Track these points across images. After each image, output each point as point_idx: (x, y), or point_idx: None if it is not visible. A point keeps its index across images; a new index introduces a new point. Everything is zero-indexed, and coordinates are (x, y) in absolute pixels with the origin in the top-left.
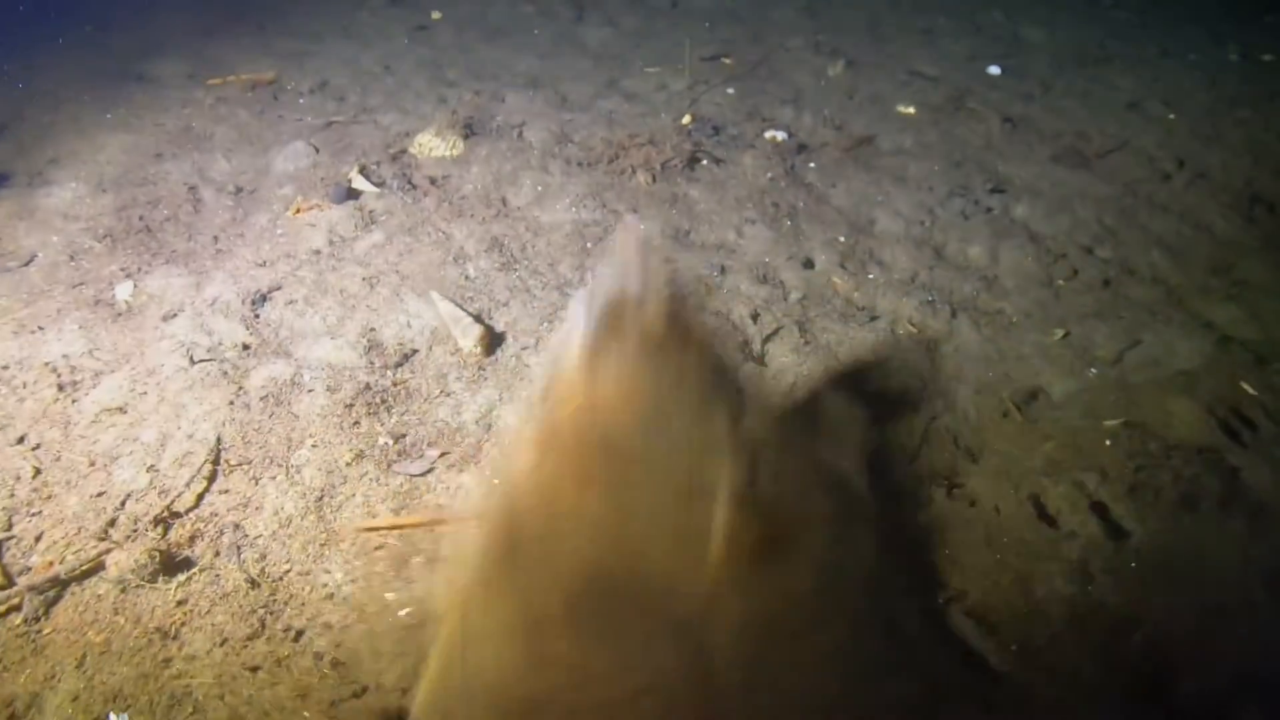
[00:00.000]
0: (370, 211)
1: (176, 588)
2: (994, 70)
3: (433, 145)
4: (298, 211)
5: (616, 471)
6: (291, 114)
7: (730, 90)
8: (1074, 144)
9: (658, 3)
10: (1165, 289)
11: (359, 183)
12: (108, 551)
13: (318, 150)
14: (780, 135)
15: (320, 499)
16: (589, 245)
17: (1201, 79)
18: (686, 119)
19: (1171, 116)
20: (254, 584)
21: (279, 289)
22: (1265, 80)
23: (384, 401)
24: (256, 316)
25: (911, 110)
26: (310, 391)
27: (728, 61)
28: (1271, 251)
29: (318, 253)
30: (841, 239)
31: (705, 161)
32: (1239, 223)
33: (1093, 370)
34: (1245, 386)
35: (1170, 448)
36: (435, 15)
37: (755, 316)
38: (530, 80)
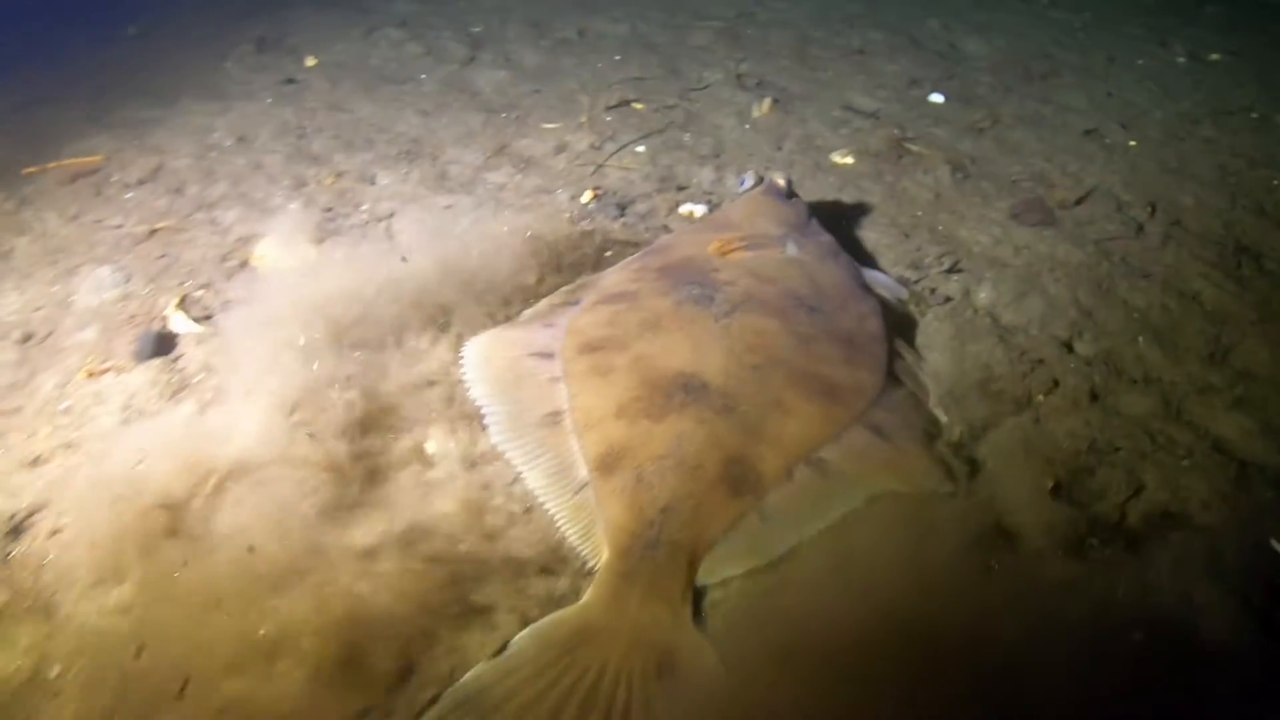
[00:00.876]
0: (183, 370)
1: None
2: (937, 98)
3: (277, 256)
4: (89, 375)
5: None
6: (113, 216)
7: (641, 148)
8: (1035, 192)
9: (563, 31)
10: (1160, 395)
11: (178, 322)
12: None
13: (129, 277)
14: (698, 209)
15: None
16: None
17: (1155, 91)
18: (588, 196)
19: (1132, 143)
20: None
21: (43, 508)
22: (1218, 86)
23: None
24: (6, 558)
25: (850, 160)
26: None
27: (639, 106)
28: (1271, 324)
29: (103, 441)
30: None
31: (610, 253)
32: (1229, 286)
33: (1092, 543)
34: (1277, 546)
35: None
36: (310, 62)
37: None
38: (408, 148)
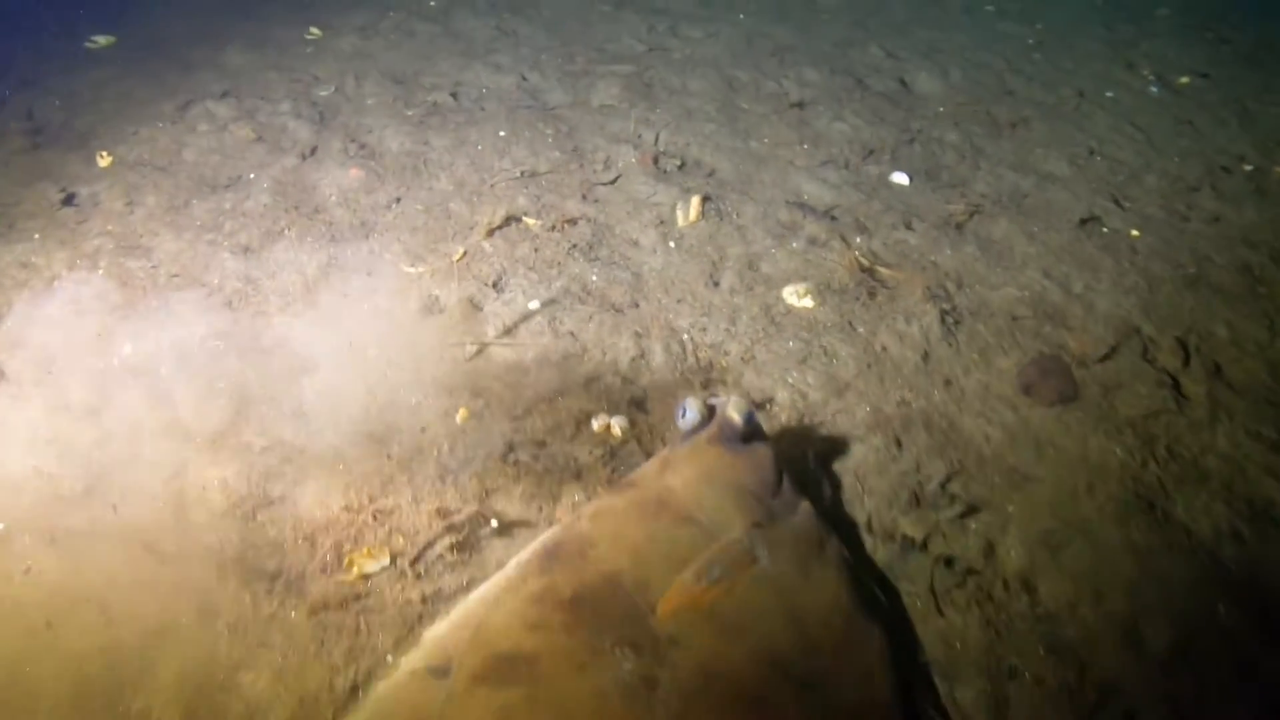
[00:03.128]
0: None
1: None
2: (900, 179)
3: None
4: None
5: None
6: None
7: (534, 304)
8: (1045, 340)
9: (434, 90)
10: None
11: None
12: None
13: None
14: (617, 424)
15: None
16: None
17: (1138, 141)
18: (462, 415)
19: (1135, 233)
20: None
21: None
22: (1201, 127)
23: None
24: None
25: (809, 302)
26: None
27: (531, 223)
28: None
29: None
30: None
31: (488, 531)
32: None
33: None
34: None
35: None
36: (103, 160)
37: None
38: (218, 330)
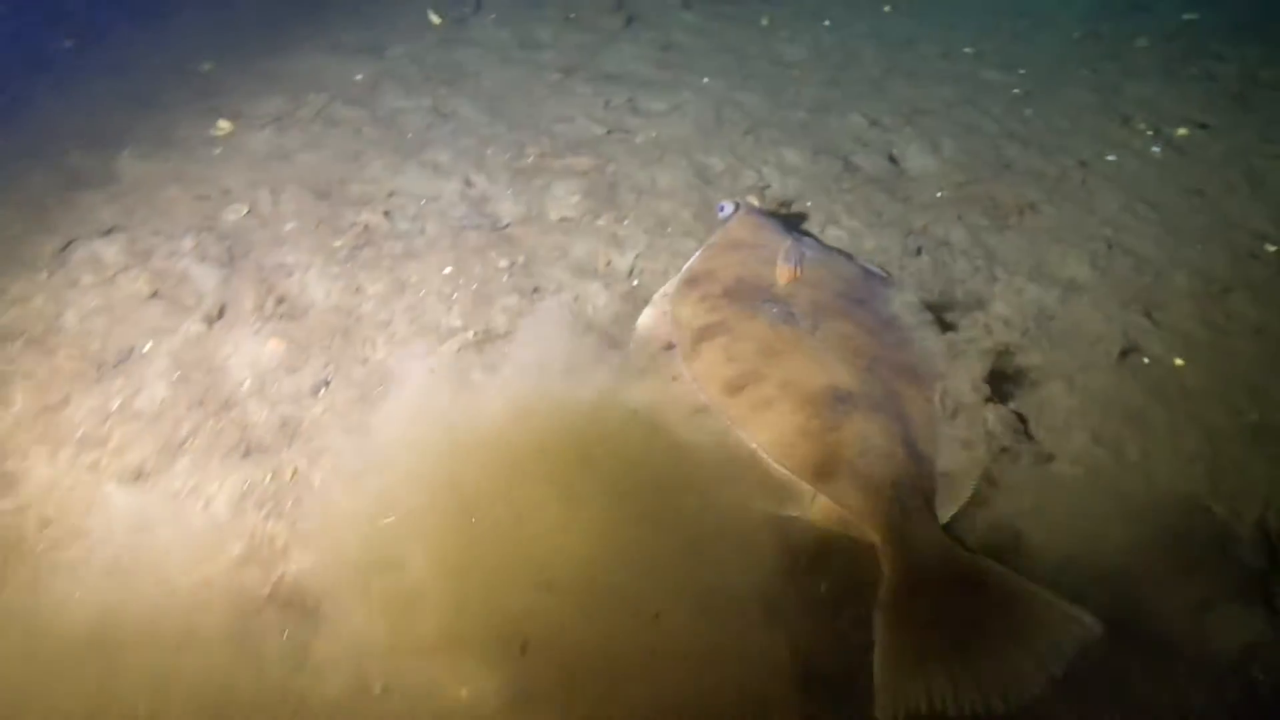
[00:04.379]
0: None
1: None
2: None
3: None
4: None
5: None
6: None
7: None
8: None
9: (366, 207)
10: None
11: None
12: None
13: None
14: None
15: None
16: None
17: (1151, 221)
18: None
19: (1179, 362)
20: None
21: None
22: (1213, 198)
23: None
24: None
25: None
26: None
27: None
28: None
29: None
30: None
31: None
32: None
33: None
34: None
35: None
36: None
37: None
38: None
